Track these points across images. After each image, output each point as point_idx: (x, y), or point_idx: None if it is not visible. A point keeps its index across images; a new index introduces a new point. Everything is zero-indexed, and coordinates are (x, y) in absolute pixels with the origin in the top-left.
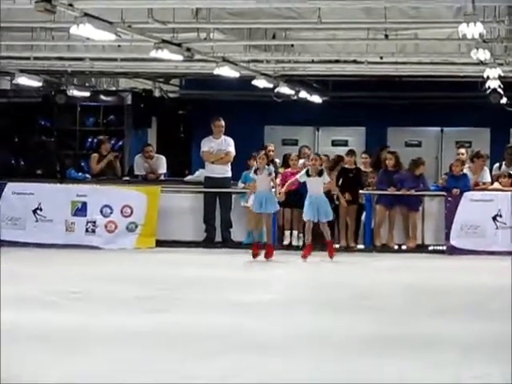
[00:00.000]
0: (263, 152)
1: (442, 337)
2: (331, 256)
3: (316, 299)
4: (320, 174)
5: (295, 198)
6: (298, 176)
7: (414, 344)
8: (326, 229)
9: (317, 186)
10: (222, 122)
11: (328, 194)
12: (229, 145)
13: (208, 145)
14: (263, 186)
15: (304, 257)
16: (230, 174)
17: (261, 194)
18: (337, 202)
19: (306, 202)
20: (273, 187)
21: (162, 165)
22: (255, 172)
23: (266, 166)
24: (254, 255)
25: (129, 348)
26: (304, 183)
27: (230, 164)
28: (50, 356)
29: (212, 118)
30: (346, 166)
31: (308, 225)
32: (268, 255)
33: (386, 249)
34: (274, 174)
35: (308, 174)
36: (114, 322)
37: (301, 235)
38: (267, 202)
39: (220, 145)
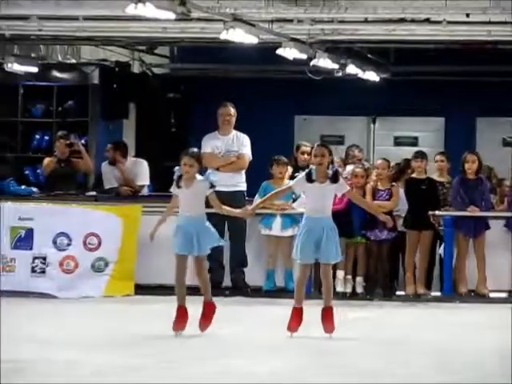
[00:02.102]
0: (193, 151)
1: None
2: (330, 330)
3: (375, 368)
4: (334, 178)
5: (341, 221)
6: (291, 183)
7: None
8: (328, 279)
9: (323, 201)
10: (232, 110)
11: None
12: (242, 144)
13: (212, 144)
14: (192, 207)
15: (292, 329)
16: (244, 187)
17: (188, 223)
18: (402, 228)
19: (301, 231)
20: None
21: (141, 173)
22: (177, 184)
23: (199, 177)
24: (177, 327)
25: None
26: (348, 202)
27: (243, 172)
28: None
29: (218, 106)
30: (414, 175)
31: (302, 272)
32: (205, 321)
33: (474, 298)
34: (214, 188)
35: (310, 179)
36: None
37: (348, 277)
38: (200, 236)
39: (229, 144)
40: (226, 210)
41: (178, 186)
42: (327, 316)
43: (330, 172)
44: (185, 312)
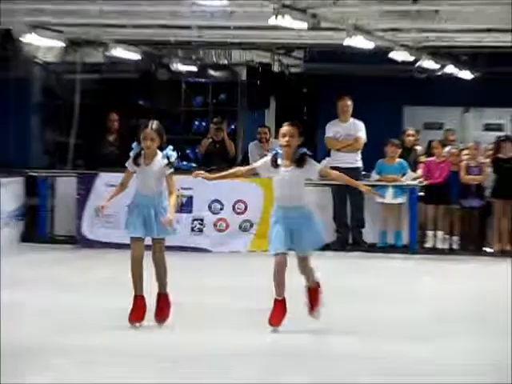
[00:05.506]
0: (154, 125)
1: None
2: (313, 310)
3: (484, 318)
4: (299, 163)
5: (440, 191)
6: (255, 163)
7: None
8: (308, 274)
9: (292, 188)
10: (348, 102)
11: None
12: (358, 129)
13: (333, 129)
14: (151, 186)
15: (274, 323)
16: (360, 164)
17: (145, 203)
18: (489, 199)
19: (272, 220)
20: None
21: None
22: (135, 160)
23: (160, 153)
24: (133, 318)
25: (245, 372)
26: (446, 176)
27: (359, 152)
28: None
29: (337, 97)
30: (501, 155)
31: (276, 263)
32: (161, 314)
33: None
34: (172, 169)
35: (275, 163)
36: (221, 340)
37: (447, 236)
38: (160, 217)
39: (348, 129)
40: (171, 210)
41: (137, 164)
42: (314, 293)
43: (297, 155)
44: (143, 304)
